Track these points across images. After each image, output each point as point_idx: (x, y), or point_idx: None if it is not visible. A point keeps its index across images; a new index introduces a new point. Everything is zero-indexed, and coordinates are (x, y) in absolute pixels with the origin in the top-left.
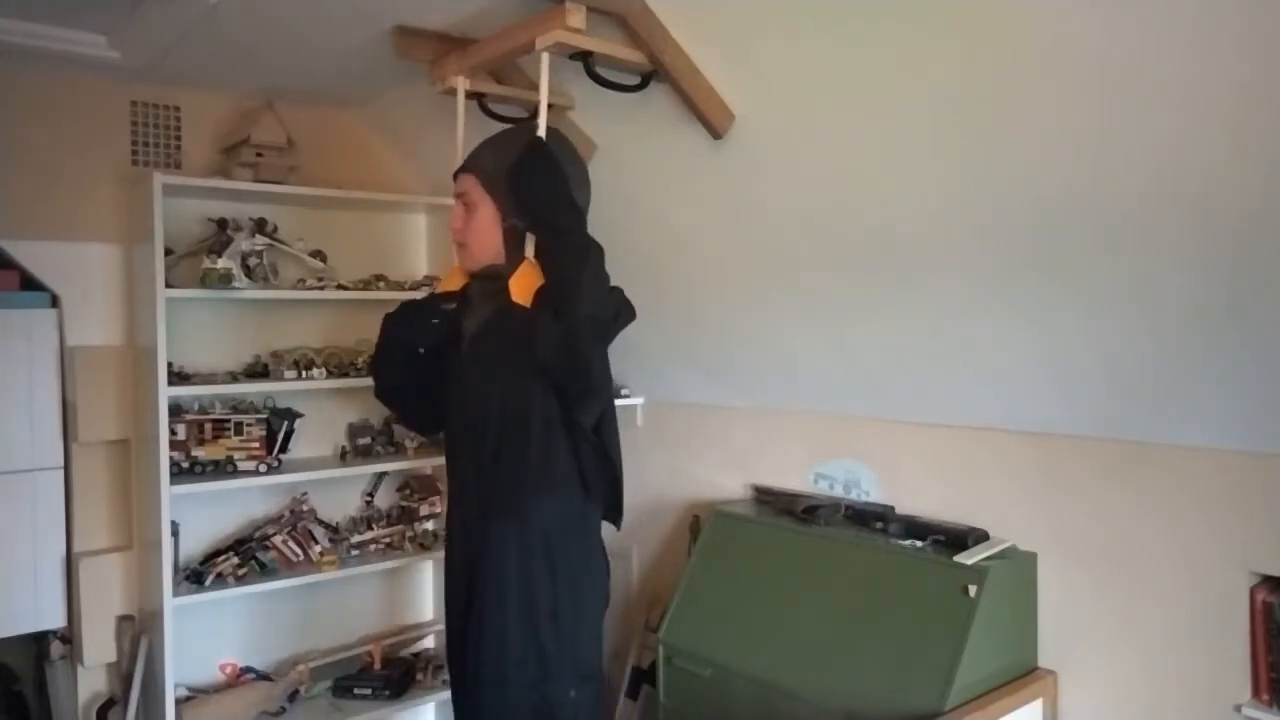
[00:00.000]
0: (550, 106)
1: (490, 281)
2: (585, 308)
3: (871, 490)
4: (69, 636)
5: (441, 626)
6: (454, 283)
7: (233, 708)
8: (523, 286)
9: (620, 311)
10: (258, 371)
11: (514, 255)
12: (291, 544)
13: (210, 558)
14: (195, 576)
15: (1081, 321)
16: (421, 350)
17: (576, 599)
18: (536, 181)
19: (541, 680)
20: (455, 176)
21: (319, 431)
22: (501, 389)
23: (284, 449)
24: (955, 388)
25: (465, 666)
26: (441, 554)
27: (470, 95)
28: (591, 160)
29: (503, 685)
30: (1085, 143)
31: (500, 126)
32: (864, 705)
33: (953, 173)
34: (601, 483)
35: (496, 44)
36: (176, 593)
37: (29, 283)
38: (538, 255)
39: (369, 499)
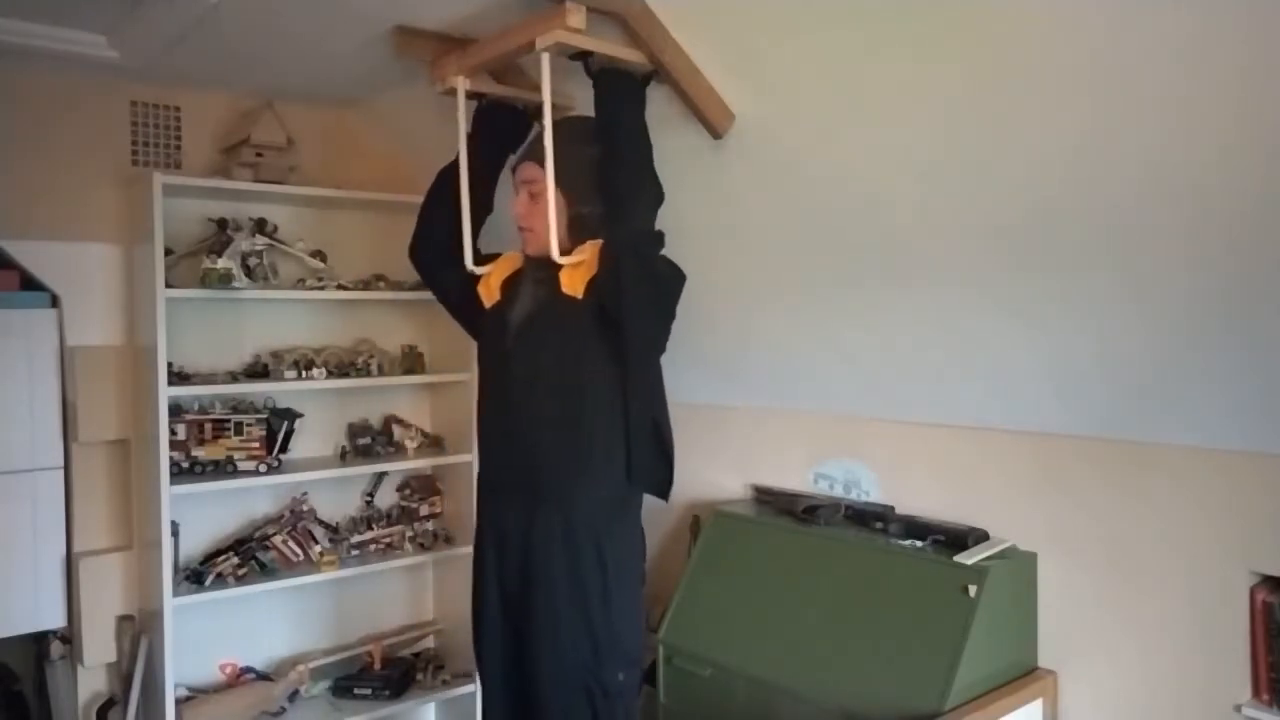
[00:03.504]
0: (550, 106)
1: (541, 270)
2: (649, 199)
3: (871, 490)
4: (69, 636)
5: (442, 626)
6: (487, 294)
7: (233, 708)
8: (574, 278)
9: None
10: (258, 371)
11: (577, 243)
12: (291, 544)
13: (210, 558)
14: (195, 576)
15: (1081, 322)
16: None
17: (622, 583)
18: (630, 95)
19: (595, 665)
20: (515, 167)
21: (319, 431)
22: (551, 381)
23: (284, 449)
24: (955, 388)
25: (506, 654)
26: (442, 554)
27: (470, 95)
28: None
29: (561, 673)
30: (1083, 143)
31: None
32: (864, 705)
33: (952, 173)
34: (658, 462)
35: (496, 44)
36: (176, 593)
37: (29, 283)
38: (605, 156)
39: (369, 499)
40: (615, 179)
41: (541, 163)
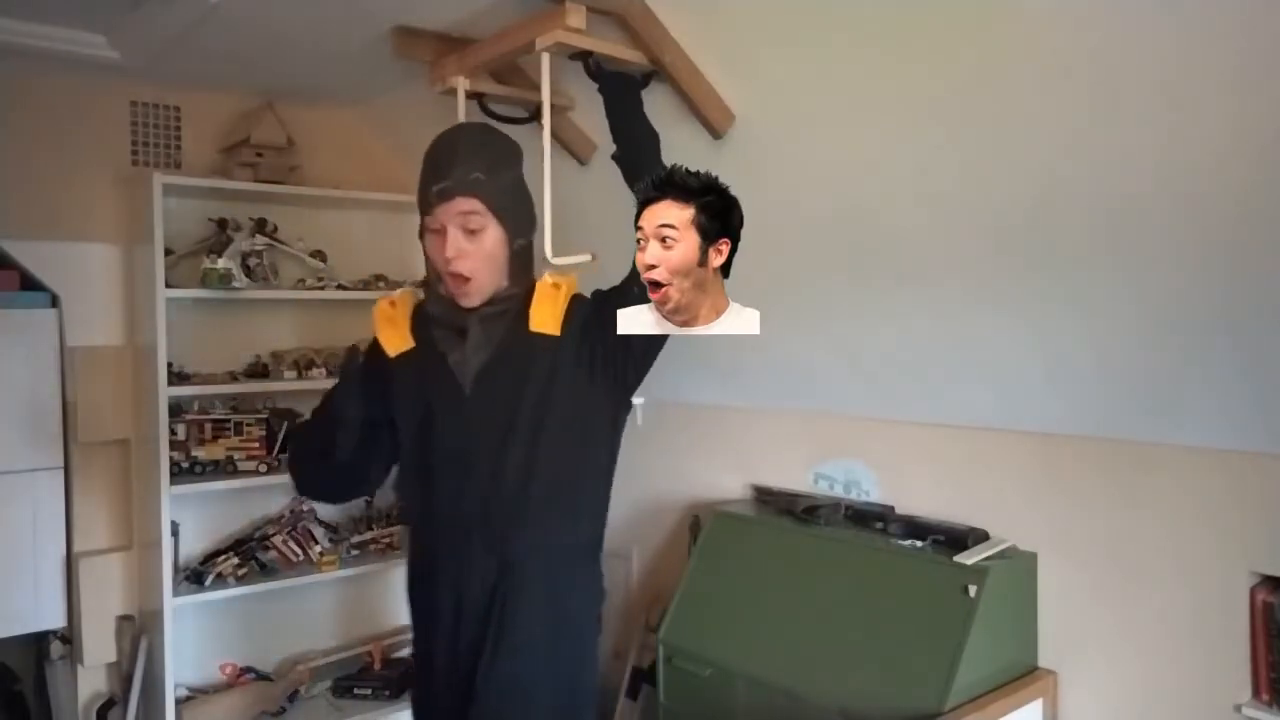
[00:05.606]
0: (550, 106)
1: (490, 305)
2: None
3: (871, 490)
4: (69, 636)
5: None
6: (397, 338)
7: (233, 708)
8: (547, 313)
9: None
10: (258, 371)
11: (520, 279)
12: (291, 544)
13: (210, 558)
14: (195, 576)
15: (1081, 321)
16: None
17: (573, 631)
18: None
19: (538, 705)
20: (437, 201)
21: None
22: (521, 429)
23: (284, 449)
24: (955, 388)
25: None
26: None
27: (470, 95)
28: (591, 160)
29: (515, 709)
30: (1082, 143)
31: (499, 127)
32: (864, 705)
33: (951, 173)
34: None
35: (496, 44)
36: (176, 593)
37: (29, 283)
38: (639, 171)
39: (369, 499)
40: None
41: (477, 194)
